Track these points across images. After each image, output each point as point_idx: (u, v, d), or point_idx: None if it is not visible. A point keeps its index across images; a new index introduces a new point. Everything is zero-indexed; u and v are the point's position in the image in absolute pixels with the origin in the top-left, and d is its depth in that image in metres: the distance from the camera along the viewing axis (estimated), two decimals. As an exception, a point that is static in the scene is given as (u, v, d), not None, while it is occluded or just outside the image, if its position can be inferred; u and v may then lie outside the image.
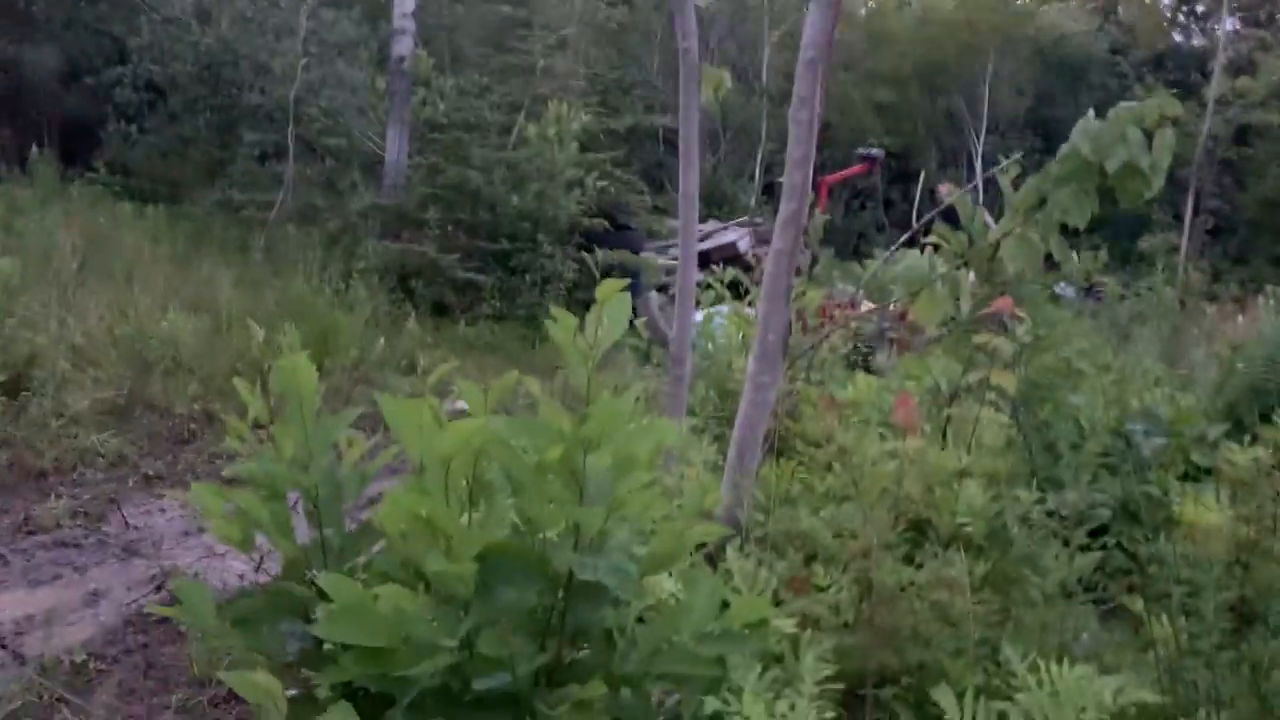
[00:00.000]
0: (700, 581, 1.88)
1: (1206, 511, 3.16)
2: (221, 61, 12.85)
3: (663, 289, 11.31)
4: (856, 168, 11.36)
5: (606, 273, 11.68)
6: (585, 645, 1.80)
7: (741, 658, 1.99)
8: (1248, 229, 22.74)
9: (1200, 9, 29.16)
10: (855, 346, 5.26)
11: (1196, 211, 21.12)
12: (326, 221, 11.03)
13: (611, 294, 2.01)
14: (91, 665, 3.40)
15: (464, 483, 1.75)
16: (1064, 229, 2.94)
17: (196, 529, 4.88)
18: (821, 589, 2.71)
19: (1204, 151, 20.83)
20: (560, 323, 1.97)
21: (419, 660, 1.71)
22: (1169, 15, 30.35)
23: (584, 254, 11.33)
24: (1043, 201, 3.05)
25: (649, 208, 12.88)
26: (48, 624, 3.73)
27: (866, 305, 5.82)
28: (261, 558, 4.49)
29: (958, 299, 3.22)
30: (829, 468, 3.57)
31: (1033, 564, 2.88)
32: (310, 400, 2.27)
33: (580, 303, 11.34)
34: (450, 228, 10.74)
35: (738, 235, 13.19)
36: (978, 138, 24.40)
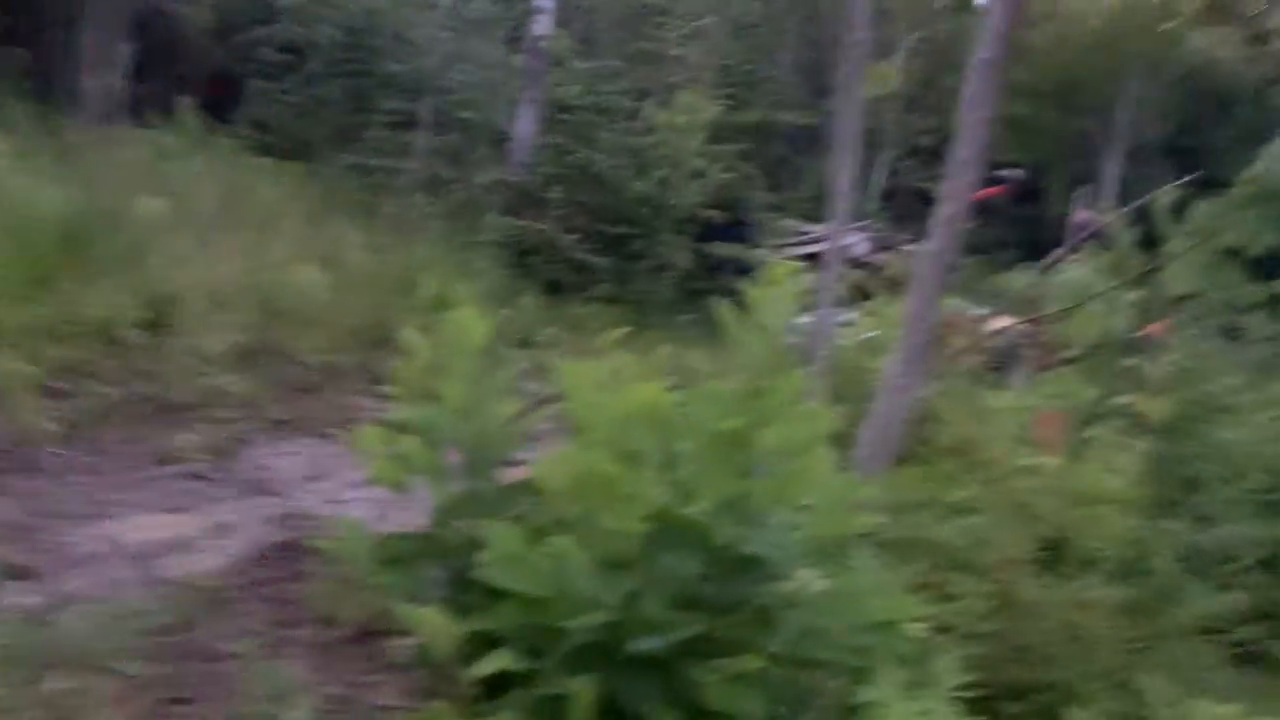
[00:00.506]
0: (860, 571, 1.87)
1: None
2: (363, 28, 13.18)
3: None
4: (997, 189, 11.04)
5: (720, 266, 11.67)
6: (738, 619, 1.80)
7: (884, 653, 1.98)
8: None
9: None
10: (986, 362, 5.15)
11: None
12: (452, 193, 11.24)
13: (785, 276, 2.01)
14: (223, 593, 3.54)
15: (637, 447, 1.77)
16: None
17: (321, 474, 5.04)
18: (952, 598, 2.67)
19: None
20: (726, 309, 1.99)
21: (578, 613, 1.74)
22: (1326, 49, 28.86)
23: (700, 245, 11.34)
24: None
25: (768, 205, 12.82)
26: (182, 550, 3.90)
27: (996, 322, 5.69)
28: (384, 507, 4.63)
29: (1114, 319, 3.13)
30: (958, 479, 3.51)
31: (1172, 597, 2.79)
32: (477, 354, 2.33)
33: (693, 292, 11.35)
34: (571, 208, 10.84)
35: (856, 239, 13.02)
36: (1112, 161, 23.56)
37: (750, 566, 1.74)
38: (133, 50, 13.94)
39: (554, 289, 10.65)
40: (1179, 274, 2.91)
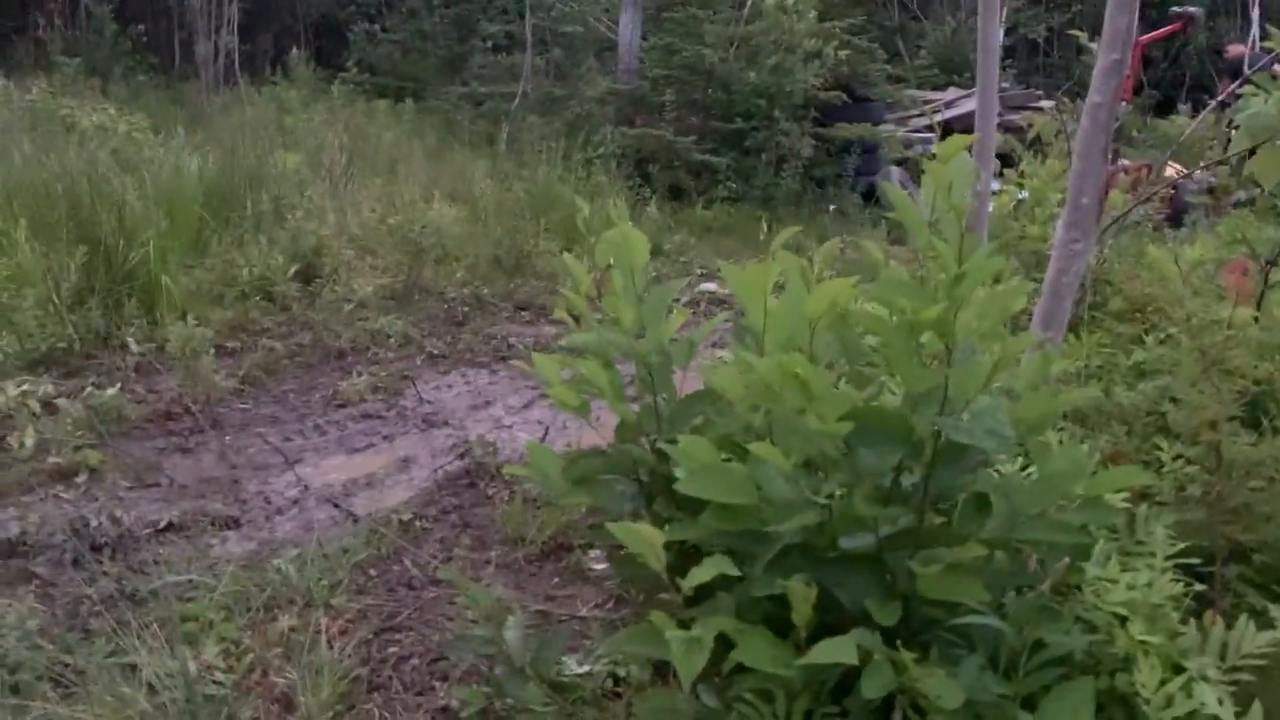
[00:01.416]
0: (1063, 449, 1.82)
1: None
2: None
3: (901, 163, 10.80)
4: (1172, 26, 10.28)
5: (845, 149, 11.32)
6: (947, 509, 1.78)
7: (1097, 528, 1.93)
8: None
9: None
10: (1161, 214, 4.86)
11: None
12: (565, 110, 11.20)
13: (954, 152, 1.91)
14: (416, 524, 3.71)
15: (827, 347, 1.74)
16: None
17: (484, 402, 5.20)
18: (1151, 465, 2.57)
19: None
20: (893, 193, 1.91)
21: (781, 518, 1.74)
22: None
23: (821, 130, 11.01)
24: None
25: (888, 77, 12.31)
26: (370, 487, 4.10)
27: (1169, 171, 5.33)
28: (547, 429, 4.76)
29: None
30: (1140, 340, 3.36)
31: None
32: (641, 270, 2.32)
33: (817, 180, 11.07)
34: (685, 110, 10.66)
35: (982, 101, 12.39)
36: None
37: (956, 455, 1.70)
38: (238, 10, 14.24)
39: (676, 194, 10.55)
40: (1264, 165, 2.64)
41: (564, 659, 2.59)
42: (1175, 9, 10.84)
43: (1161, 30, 10.87)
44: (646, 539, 1.69)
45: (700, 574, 1.70)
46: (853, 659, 1.54)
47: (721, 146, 10.53)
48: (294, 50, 14.07)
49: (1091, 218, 3.10)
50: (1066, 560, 1.70)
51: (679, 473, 1.87)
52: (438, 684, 2.71)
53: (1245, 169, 3.04)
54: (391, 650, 2.87)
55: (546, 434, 4.71)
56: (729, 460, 1.87)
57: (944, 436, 1.67)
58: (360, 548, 3.41)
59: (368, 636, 2.90)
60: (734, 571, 1.67)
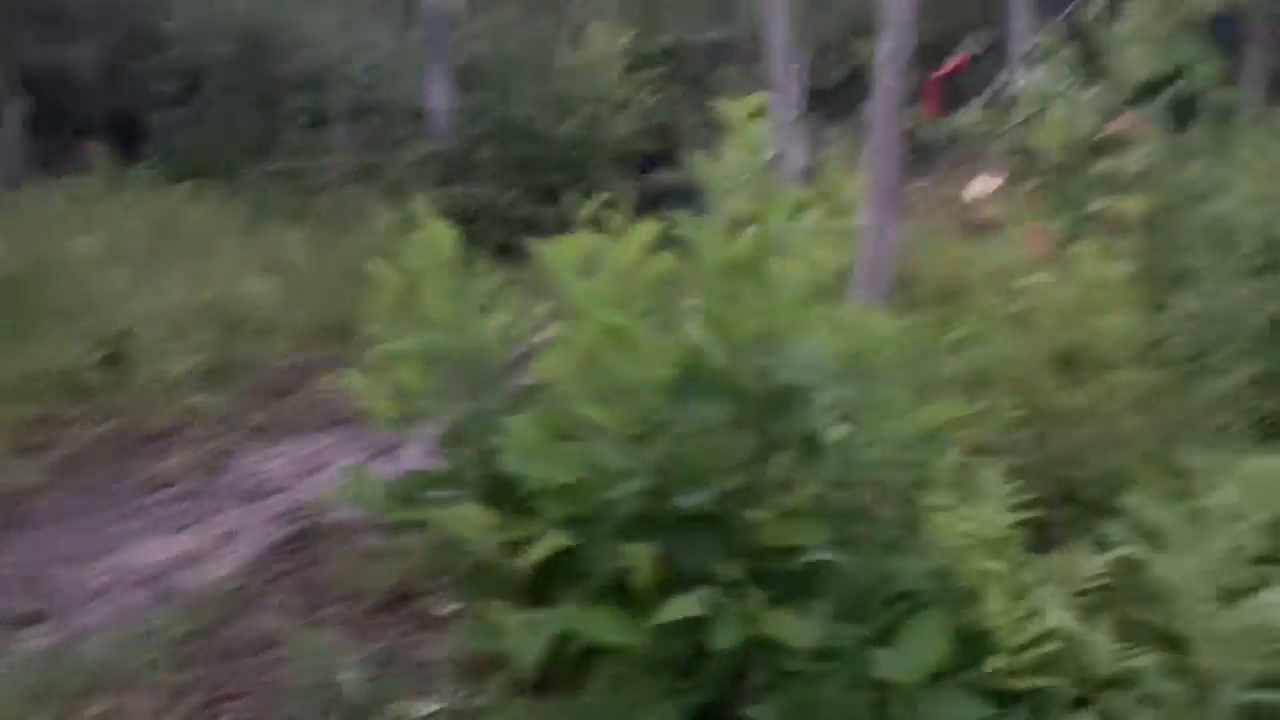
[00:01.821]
0: (893, 387, 1.81)
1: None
2: (255, 38, 12.83)
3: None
4: (958, 60, 10.96)
5: (662, 197, 11.52)
6: (782, 456, 1.73)
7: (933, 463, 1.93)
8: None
9: None
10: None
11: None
12: (382, 177, 11.00)
13: (747, 115, 1.91)
14: (244, 591, 3.44)
15: (641, 300, 1.68)
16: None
17: (315, 468, 4.93)
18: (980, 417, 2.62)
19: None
20: (695, 161, 1.90)
21: (617, 485, 1.66)
22: None
23: (645, 176, 11.18)
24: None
25: (698, 124, 12.63)
26: (193, 564, 3.79)
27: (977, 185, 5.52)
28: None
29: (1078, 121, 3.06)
30: (953, 321, 3.46)
31: (1192, 376, 2.76)
32: (452, 267, 2.23)
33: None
34: (504, 167, 10.64)
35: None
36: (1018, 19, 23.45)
37: (784, 400, 1.66)
38: (25, 106, 13.51)
39: (506, 251, 10.45)
40: (1138, 57, 2.83)
41: (409, 703, 2.41)
42: (960, 47, 11.64)
43: (949, 67, 11.62)
44: (474, 520, 1.58)
45: (536, 552, 1.59)
46: (699, 610, 1.46)
47: (545, 198, 10.54)
48: (88, 143, 13.37)
49: (893, 197, 3.20)
50: (895, 501, 1.68)
51: (508, 458, 1.77)
52: (276, 750, 2.48)
53: (1028, 138, 3.21)
54: (223, 719, 2.62)
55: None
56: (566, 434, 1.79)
57: (771, 379, 1.63)
58: (181, 623, 3.13)
59: (193, 709, 2.64)
60: (569, 543, 1.58)
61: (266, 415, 5.81)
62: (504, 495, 1.96)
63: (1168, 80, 3.11)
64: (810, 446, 1.66)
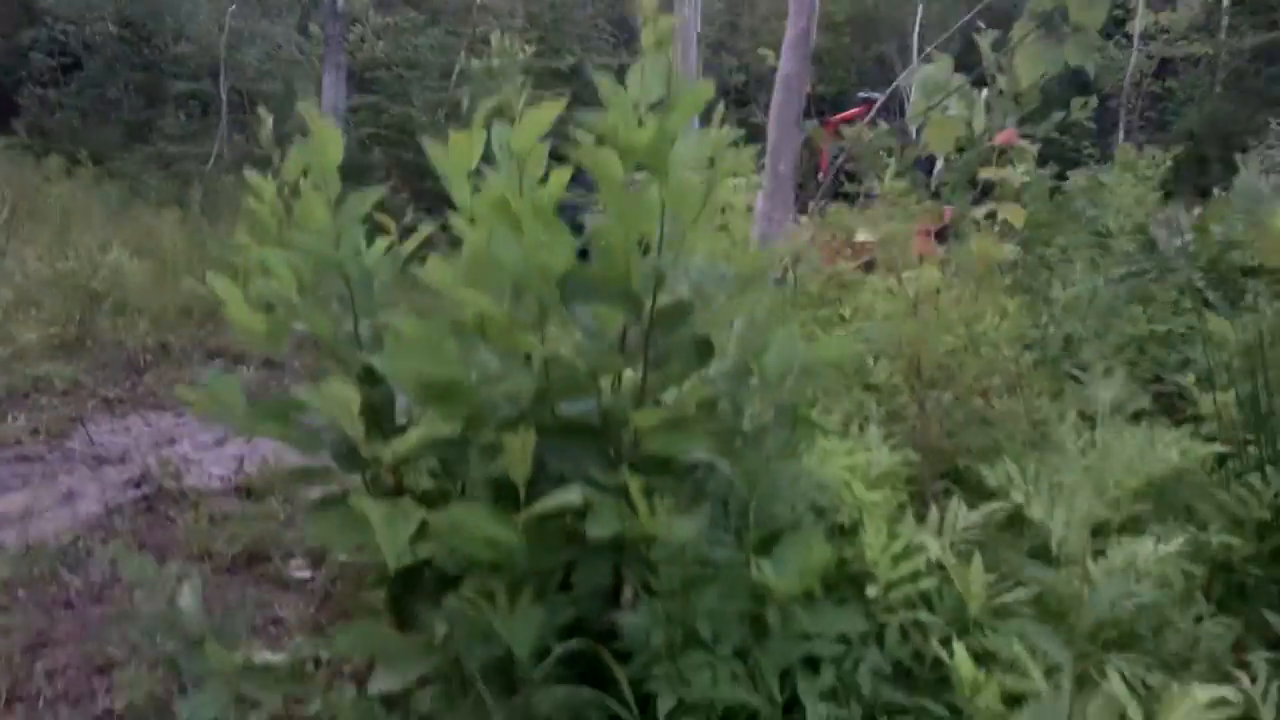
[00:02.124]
0: (776, 316, 1.78)
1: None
2: (143, 17, 12.36)
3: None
4: (857, 109, 11.24)
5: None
6: (672, 363, 1.68)
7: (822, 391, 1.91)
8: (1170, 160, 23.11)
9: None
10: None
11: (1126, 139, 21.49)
12: (265, 170, 10.67)
13: (657, 41, 1.88)
14: (80, 545, 3.19)
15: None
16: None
17: (168, 440, 4.66)
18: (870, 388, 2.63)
19: (1130, 84, 21.21)
20: (602, 80, 1.85)
21: (497, 383, 1.58)
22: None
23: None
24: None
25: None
26: (23, 520, 3.51)
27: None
28: (242, 459, 4.32)
29: (971, 122, 3.15)
30: (840, 319, 3.49)
31: (1064, 352, 2.85)
32: (336, 175, 2.12)
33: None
34: (394, 169, 10.46)
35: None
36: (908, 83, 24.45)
37: (677, 309, 1.62)
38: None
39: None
40: (1024, 62, 2.93)
41: (254, 652, 2.25)
42: (861, 93, 12.00)
43: (848, 113, 11.95)
44: (338, 397, 1.47)
45: (409, 439, 1.50)
46: (577, 499, 1.39)
47: (435, 206, 10.39)
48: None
49: (789, 186, 3.23)
50: (783, 419, 1.64)
51: (383, 359, 1.67)
52: (100, 691, 2.27)
53: (921, 140, 3.29)
54: (40, 665, 2.39)
55: (242, 465, 4.29)
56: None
57: (664, 282, 1.58)
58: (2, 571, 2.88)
59: (8, 654, 2.41)
60: (445, 431, 1.49)
61: (121, 390, 5.49)
62: (384, 414, 1.86)
63: (1051, 103, 3.27)
64: (701, 355, 1.61)
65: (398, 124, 10.33)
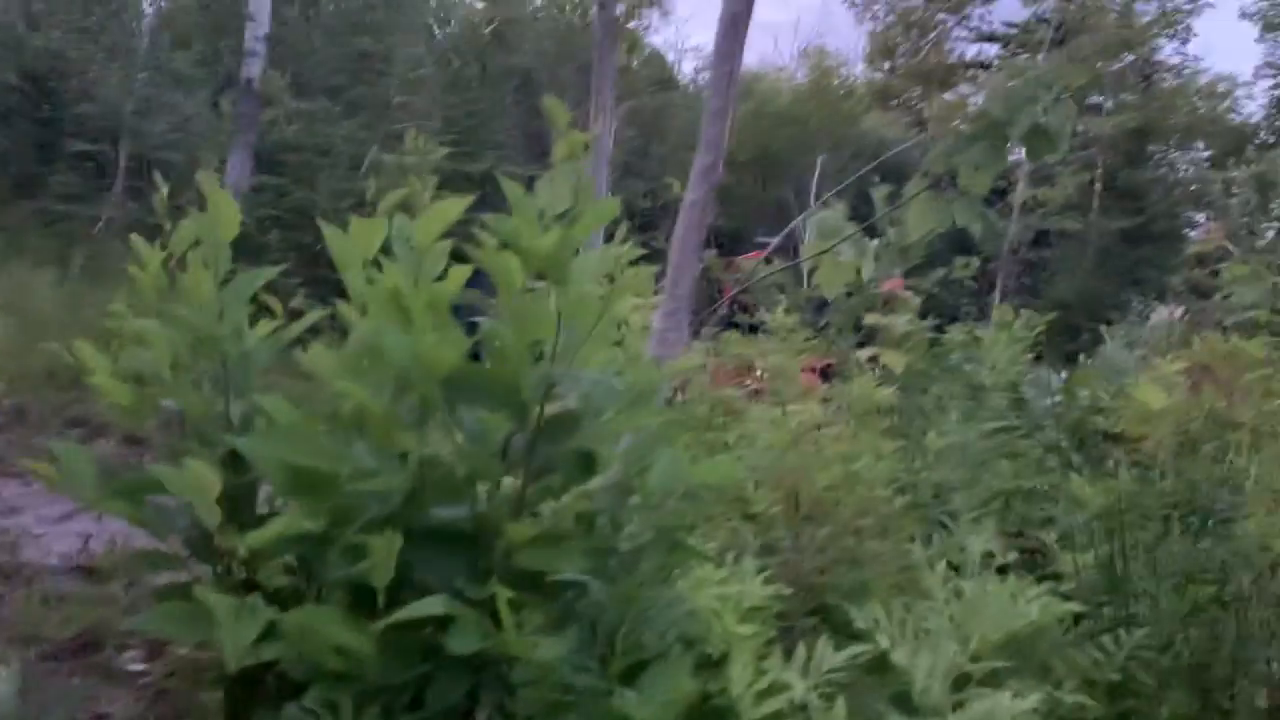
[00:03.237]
0: (663, 436, 1.78)
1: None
2: (47, 72, 12.08)
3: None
4: (756, 253, 11.66)
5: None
6: (553, 477, 1.65)
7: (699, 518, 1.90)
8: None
9: (1004, 129, 31.70)
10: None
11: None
12: (157, 240, 10.38)
13: (569, 153, 1.91)
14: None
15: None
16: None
17: (9, 510, 4.35)
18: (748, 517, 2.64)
19: (1009, 250, 22.56)
20: (510, 187, 1.87)
21: (370, 479, 1.52)
22: (977, 133, 32.86)
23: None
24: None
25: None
26: None
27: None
28: (88, 539, 4.05)
29: (860, 269, 3.28)
30: (725, 446, 3.53)
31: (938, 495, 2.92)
32: (227, 250, 2.07)
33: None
34: (291, 253, 10.29)
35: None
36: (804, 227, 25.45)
37: (565, 420, 1.60)
38: None
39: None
40: (915, 217, 3.08)
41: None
42: (760, 237, 12.49)
43: (748, 255, 12.40)
44: (196, 480, 1.40)
45: (265, 533, 1.43)
46: (440, 609, 1.34)
47: (328, 294, 10.22)
48: None
49: (686, 307, 3.28)
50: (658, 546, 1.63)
51: (249, 442, 1.60)
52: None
53: (812, 281, 3.40)
54: None
55: (87, 543, 4.02)
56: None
57: (554, 391, 1.57)
58: None
59: None
60: (306, 527, 1.42)
61: (-35, 451, 5.15)
62: (244, 503, 1.77)
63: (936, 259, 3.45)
64: (584, 468, 1.59)
65: (300, 208, 10.21)
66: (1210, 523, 2.47)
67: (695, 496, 1.80)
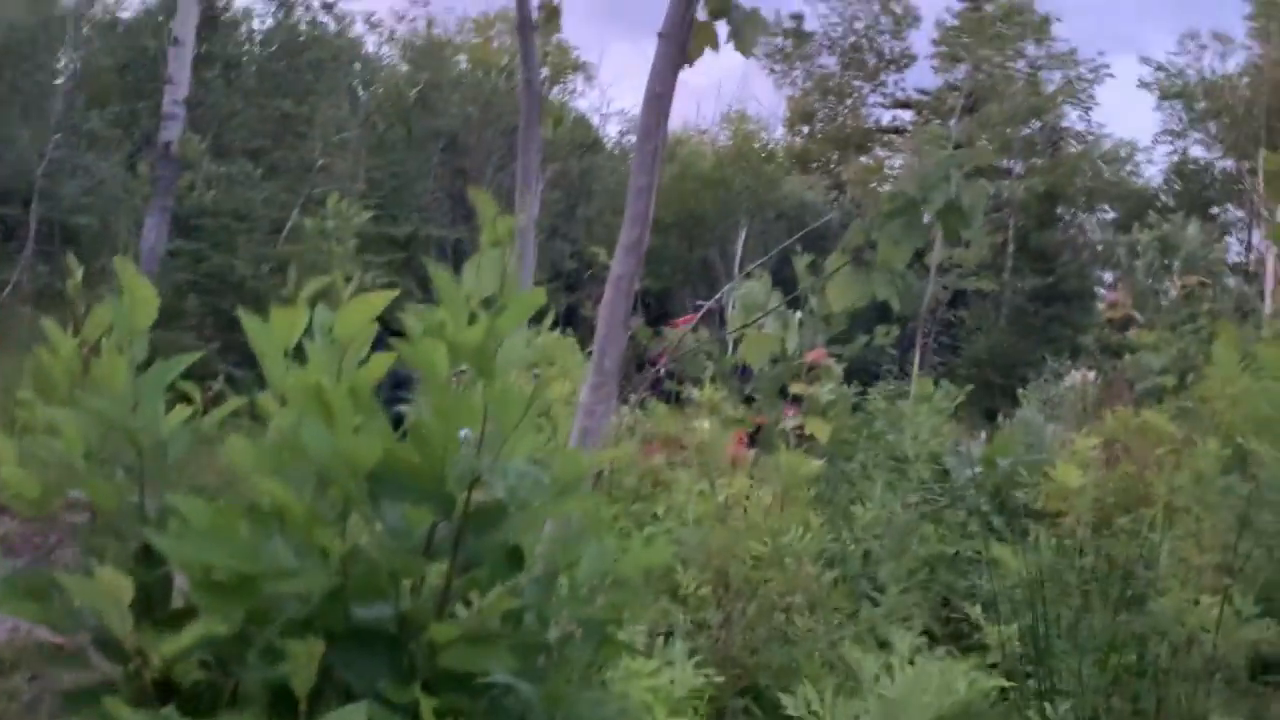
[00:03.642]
0: (592, 526, 1.76)
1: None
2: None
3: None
4: (690, 316, 11.82)
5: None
6: (480, 573, 1.62)
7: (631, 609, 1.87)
8: (961, 384, 25.05)
9: (919, 192, 32.70)
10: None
11: (921, 366, 23.18)
12: (70, 306, 10.09)
13: (499, 239, 1.91)
14: None
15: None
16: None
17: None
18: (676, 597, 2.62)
19: (927, 310, 23.12)
20: (437, 274, 1.86)
21: (288, 579, 1.48)
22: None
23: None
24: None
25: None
26: None
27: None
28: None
29: (785, 339, 3.32)
30: (654, 517, 3.51)
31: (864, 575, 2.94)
32: (145, 338, 2.01)
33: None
34: (208, 319, 10.10)
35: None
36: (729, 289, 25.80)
37: (492, 513, 1.58)
38: None
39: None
40: (836, 291, 3.14)
41: None
42: (697, 301, 12.67)
43: (685, 319, 12.57)
44: (108, 588, 1.34)
45: (179, 641, 1.37)
46: (362, 718, 1.29)
47: (245, 359, 10.02)
48: None
49: (613, 381, 3.27)
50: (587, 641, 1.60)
51: (164, 540, 1.54)
52: None
53: (739, 352, 3.43)
54: None
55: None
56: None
57: (479, 481, 1.54)
58: None
59: None
60: (220, 629, 1.37)
61: None
62: (158, 599, 1.70)
63: (858, 323, 3.53)
64: (512, 562, 1.56)
65: (218, 273, 10.04)
66: (1128, 596, 2.52)
67: (624, 584, 1.78)
